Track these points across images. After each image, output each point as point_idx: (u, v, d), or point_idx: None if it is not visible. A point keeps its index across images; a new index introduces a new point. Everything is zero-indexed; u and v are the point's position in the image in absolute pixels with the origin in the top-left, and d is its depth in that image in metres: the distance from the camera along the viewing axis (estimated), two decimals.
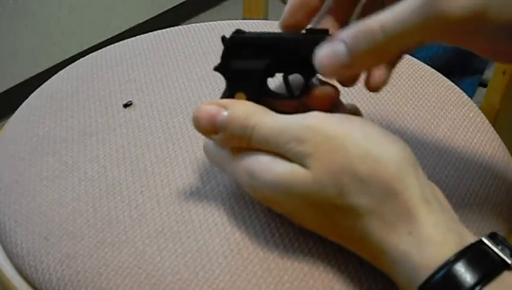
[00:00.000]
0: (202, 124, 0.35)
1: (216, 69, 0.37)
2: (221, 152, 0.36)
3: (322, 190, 0.31)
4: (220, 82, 0.52)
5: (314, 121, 0.32)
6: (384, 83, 0.37)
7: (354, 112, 0.38)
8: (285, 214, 0.36)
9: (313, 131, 0.32)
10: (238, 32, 0.37)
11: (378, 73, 0.37)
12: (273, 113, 0.34)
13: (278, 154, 0.33)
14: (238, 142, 0.34)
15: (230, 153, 0.35)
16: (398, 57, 0.38)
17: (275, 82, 0.39)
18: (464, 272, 0.28)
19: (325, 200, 0.31)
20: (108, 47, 0.60)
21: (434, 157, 0.46)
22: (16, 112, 0.53)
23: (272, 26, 0.62)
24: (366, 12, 0.37)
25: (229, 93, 0.37)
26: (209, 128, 0.34)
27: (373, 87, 0.37)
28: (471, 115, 0.51)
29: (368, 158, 0.31)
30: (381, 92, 0.51)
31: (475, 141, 0.48)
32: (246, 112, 0.34)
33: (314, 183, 0.31)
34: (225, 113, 0.34)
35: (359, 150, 0.31)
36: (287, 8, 0.39)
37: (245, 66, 0.36)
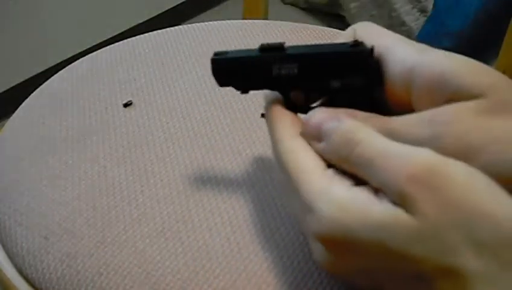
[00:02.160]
0: (309, 130, 0.30)
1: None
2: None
3: (427, 243, 0.25)
4: None
5: (432, 159, 0.26)
6: None
7: None
8: (356, 267, 0.28)
9: (429, 172, 0.25)
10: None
11: None
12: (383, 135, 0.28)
13: (375, 186, 0.27)
14: (338, 158, 0.29)
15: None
16: None
17: None
18: None
19: (426, 255, 0.25)
20: (108, 47, 0.60)
21: None
22: (16, 112, 0.53)
23: (272, 26, 0.62)
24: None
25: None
26: (315, 134, 0.30)
27: None
28: None
29: (492, 219, 0.25)
30: None
31: None
32: (356, 125, 0.29)
33: (419, 235, 0.25)
34: (335, 123, 0.29)
35: (484, 207, 0.25)
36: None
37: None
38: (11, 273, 0.41)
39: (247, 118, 0.48)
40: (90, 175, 0.43)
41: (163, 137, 0.46)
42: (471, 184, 0.25)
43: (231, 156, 0.44)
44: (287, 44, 0.31)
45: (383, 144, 0.27)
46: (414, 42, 0.31)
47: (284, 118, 0.31)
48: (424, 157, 0.26)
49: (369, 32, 0.32)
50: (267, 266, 0.36)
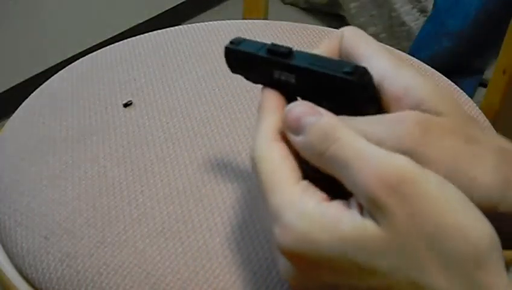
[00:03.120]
0: (289, 122, 0.29)
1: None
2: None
3: (394, 256, 0.25)
4: (219, 82, 0.53)
5: (407, 167, 0.25)
6: None
7: None
8: (320, 283, 0.28)
9: (402, 178, 0.25)
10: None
11: None
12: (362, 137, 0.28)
13: (348, 187, 0.26)
14: (313, 154, 0.28)
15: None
16: None
17: None
18: None
19: (392, 270, 0.25)
20: (108, 47, 0.60)
21: None
22: (16, 112, 0.53)
23: (272, 26, 0.62)
24: None
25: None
26: (294, 127, 0.29)
27: None
28: (471, 115, 0.51)
29: (461, 233, 0.24)
30: None
31: None
32: (335, 122, 0.28)
33: (387, 247, 0.25)
34: (315, 117, 0.28)
35: (454, 220, 0.24)
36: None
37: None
38: (11, 274, 0.41)
39: (247, 118, 0.48)
40: (90, 175, 0.43)
41: (163, 137, 0.46)
42: (443, 196, 0.25)
43: (231, 156, 0.44)
44: (297, 48, 0.31)
45: (360, 145, 0.26)
46: (396, 54, 0.31)
47: (268, 120, 0.30)
48: (399, 163, 0.25)
49: (353, 41, 0.33)
50: (267, 266, 0.36)
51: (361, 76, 0.29)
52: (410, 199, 0.24)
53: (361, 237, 0.25)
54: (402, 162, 0.25)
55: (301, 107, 0.29)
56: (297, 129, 0.28)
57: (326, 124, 0.27)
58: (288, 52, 0.31)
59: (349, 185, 0.26)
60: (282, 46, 0.31)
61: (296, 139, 0.29)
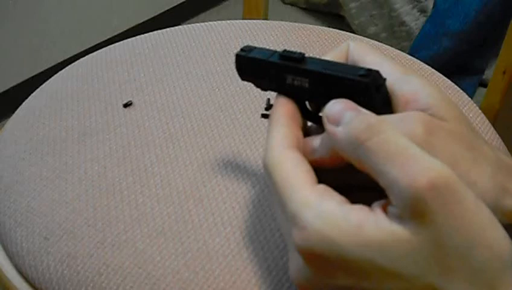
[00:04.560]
0: (332, 112, 0.28)
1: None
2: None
3: (421, 261, 0.25)
4: (219, 82, 0.53)
5: (452, 175, 0.25)
6: None
7: None
8: (334, 286, 0.27)
9: (449, 185, 0.24)
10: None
11: None
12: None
13: (381, 183, 0.26)
14: (351, 144, 0.27)
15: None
16: None
17: None
18: None
19: (417, 275, 0.25)
20: (108, 47, 0.60)
21: None
22: (16, 112, 0.53)
23: (272, 26, 0.62)
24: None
25: None
26: (337, 116, 0.28)
27: None
28: (471, 115, 0.51)
29: (488, 244, 0.25)
30: None
31: None
32: (379, 117, 0.28)
33: (416, 252, 0.25)
34: (358, 111, 0.28)
35: (484, 232, 0.25)
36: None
37: None
38: (11, 274, 0.41)
39: (247, 118, 0.48)
40: (90, 175, 0.43)
41: (163, 137, 0.46)
42: (477, 208, 0.25)
43: (231, 156, 0.44)
44: (310, 54, 0.32)
45: (405, 143, 0.26)
46: (395, 62, 0.32)
47: (282, 128, 0.31)
48: (445, 168, 0.25)
49: (360, 50, 0.33)
50: (267, 266, 0.36)
51: (375, 78, 0.29)
52: (451, 205, 0.24)
53: (388, 241, 0.25)
54: (447, 168, 0.25)
55: (344, 102, 0.29)
56: (340, 119, 0.28)
57: (371, 117, 0.27)
58: (302, 58, 0.31)
59: (385, 181, 0.25)
60: (295, 52, 0.32)
61: (335, 129, 0.28)
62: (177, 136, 0.46)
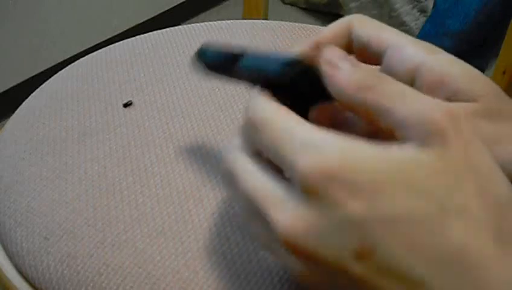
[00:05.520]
0: (332, 53, 0.27)
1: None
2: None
3: (444, 181, 0.24)
4: (219, 82, 0.53)
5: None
6: None
7: None
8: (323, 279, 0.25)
9: (462, 119, 0.25)
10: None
11: None
12: None
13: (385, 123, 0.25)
14: (358, 82, 0.25)
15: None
16: None
17: None
18: None
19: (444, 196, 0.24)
20: (108, 47, 0.60)
21: None
22: (16, 112, 0.53)
23: (272, 26, 0.62)
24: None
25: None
26: (341, 58, 0.26)
27: None
28: None
29: (498, 172, 0.25)
30: None
31: None
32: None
33: (439, 176, 0.24)
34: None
35: (492, 162, 0.25)
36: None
37: None
38: (11, 274, 0.41)
39: None
40: (90, 175, 0.43)
41: (163, 137, 0.46)
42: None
43: None
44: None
45: (410, 88, 0.25)
46: (418, 40, 0.31)
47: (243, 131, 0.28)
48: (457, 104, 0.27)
49: (369, 26, 0.32)
50: (267, 266, 0.36)
51: (293, 69, 0.28)
52: (466, 133, 0.24)
53: (417, 160, 0.24)
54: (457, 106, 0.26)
55: (340, 51, 0.27)
56: (342, 62, 0.26)
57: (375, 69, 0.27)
58: (234, 58, 0.30)
59: (399, 116, 0.24)
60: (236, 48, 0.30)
61: (338, 70, 0.26)
62: (177, 136, 0.46)
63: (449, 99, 0.29)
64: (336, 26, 0.33)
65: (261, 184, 0.26)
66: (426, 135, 0.24)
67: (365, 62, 0.33)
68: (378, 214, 0.23)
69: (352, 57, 0.27)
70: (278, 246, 0.26)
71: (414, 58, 0.30)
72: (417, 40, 0.31)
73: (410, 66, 0.30)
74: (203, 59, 0.32)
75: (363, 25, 0.32)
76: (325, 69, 0.26)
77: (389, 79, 0.26)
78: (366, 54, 0.32)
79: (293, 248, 0.24)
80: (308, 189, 0.24)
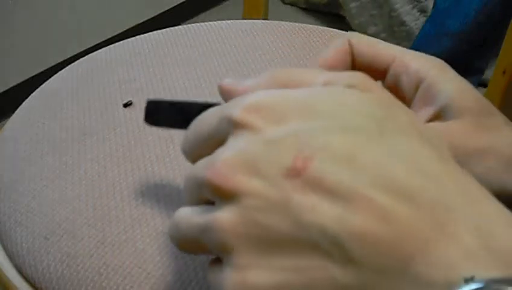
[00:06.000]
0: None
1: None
2: None
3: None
4: (219, 82, 0.52)
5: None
6: None
7: None
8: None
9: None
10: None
11: None
12: None
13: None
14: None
15: None
16: None
17: None
18: None
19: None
20: (108, 47, 0.60)
21: None
22: (16, 112, 0.53)
23: (272, 26, 0.62)
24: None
25: None
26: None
27: None
28: None
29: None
30: None
31: None
32: None
33: (373, 102, 0.24)
34: None
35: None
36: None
37: None
38: (11, 274, 0.41)
39: None
40: (90, 175, 0.43)
41: (163, 137, 0.46)
42: None
43: None
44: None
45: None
46: (418, 54, 0.33)
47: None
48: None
49: (369, 42, 0.33)
50: None
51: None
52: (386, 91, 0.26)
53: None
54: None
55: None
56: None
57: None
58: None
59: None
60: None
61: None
62: (177, 136, 0.46)
63: (438, 113, 0.31)
64: (338, 46, 0.34)
65: (200, 162, 0.27)
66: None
67: (371, 76, 0.34)
68: (312, 128, 0.23)
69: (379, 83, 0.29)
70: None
71: (418, 73, 0.32)
72: (417, 52, 0.33)
73: (415, 81, 0.32)
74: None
75: (362, 43, 0.33)
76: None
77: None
78: (369, 69, 0.33)
79: (219, 181, 0.23)
80: (235, 127, 0.24)
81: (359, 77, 0.25)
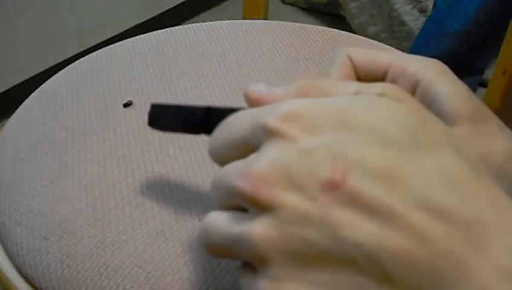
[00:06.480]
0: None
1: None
2: None
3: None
4: (219, 82, 0.53)
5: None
6: None
7: None
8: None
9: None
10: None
11: None
12: None
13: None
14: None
15: None
16: None
17: None
18: None
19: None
20: (108, 47, 0.60)
21: None
22: (16, 112, 0.53)
23: (272, 26, 0.62)
24: None
25: None
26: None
27: None
28: None
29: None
30: None
31: None
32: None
33: (407, 113, 0.24)
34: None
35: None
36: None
37: None
38: (11, 273, 0.41)
39: None
40: (90, 175, 0.43)
41: (163, 137, 0.46)
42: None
43: None
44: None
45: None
46: (414, 56, 0.33)
47: None
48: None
49: (363, 52, 0.34)
50: None
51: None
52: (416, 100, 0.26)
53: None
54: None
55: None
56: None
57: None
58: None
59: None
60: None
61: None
62: (177, 136, 0.46)
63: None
64: (341, 62, 0.34)
65: (231, 166, 0.26)
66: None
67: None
68: (349, 141, 0.23)
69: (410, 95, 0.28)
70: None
71: (415, 76, 0.32)
72: (414, 56, 0.33)
73: (412, 83, 0.32)
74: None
75: (358, 53, 0.34)
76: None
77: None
78: (368, 78, 0.34)
79: (255, 192, 0.23)
80: (271, 136, 0.24)
81: (390, 87, 0.25)
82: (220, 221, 0.26)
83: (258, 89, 0.28)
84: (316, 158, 0.22)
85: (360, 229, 0.21)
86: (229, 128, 0.27)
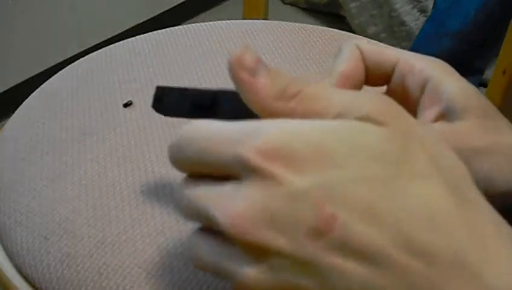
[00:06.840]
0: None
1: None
2: None
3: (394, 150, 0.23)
4: (219, 82, 0.53)
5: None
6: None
7: None
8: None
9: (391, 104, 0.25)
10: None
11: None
12: None
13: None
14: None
15: None
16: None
17: None
18: None
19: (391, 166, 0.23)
20: (108, 47, 0.60)
21: None
22: (16, 112, 0.53)
23: (272, 26, 0.62)
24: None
25: None
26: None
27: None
28: None
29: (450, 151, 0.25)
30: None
31: None
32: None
33: (389, 141, 0.23)
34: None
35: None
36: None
37: None
38: (11, 273, 0.41)
39: None
40: (90, 175, 0.43)
41: (163, 137, 0.46)
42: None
43: None
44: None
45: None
46: (422, 56, 0.34)
47: None
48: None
49: (372, 46, 0.34)
50: None
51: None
52: (405, 116, 0.25)
53: (365, 128, 0.23)
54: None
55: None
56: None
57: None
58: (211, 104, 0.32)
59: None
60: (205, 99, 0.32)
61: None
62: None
63: (443, 113, 0.32)
64: (350, 54, 0.34)
65: (203, 190, 0.25)
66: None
67: (377, 80, 0.35)
68: (332, 181, 0.22)
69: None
70: (227, 253, 0.24)
71: (422, 73, 0.33)
72: (418, 54, 0.34)
73: (421, 80, 0.33)
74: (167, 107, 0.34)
75: (367, 46, 0.34)
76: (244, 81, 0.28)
77: (309, 82, 0.26)
78: (375, 72, 0.34)
79: (242, 236, 0.23)
80: (251, 172, 0.23)
81: (376, 107, 0.24)
82: (207, 249, 0.25)
83: (245, 59, 0.28)
84: (301, 204, 0.22)
85: (349, 275, 0.22)
86: (203, 146, 0.25)
